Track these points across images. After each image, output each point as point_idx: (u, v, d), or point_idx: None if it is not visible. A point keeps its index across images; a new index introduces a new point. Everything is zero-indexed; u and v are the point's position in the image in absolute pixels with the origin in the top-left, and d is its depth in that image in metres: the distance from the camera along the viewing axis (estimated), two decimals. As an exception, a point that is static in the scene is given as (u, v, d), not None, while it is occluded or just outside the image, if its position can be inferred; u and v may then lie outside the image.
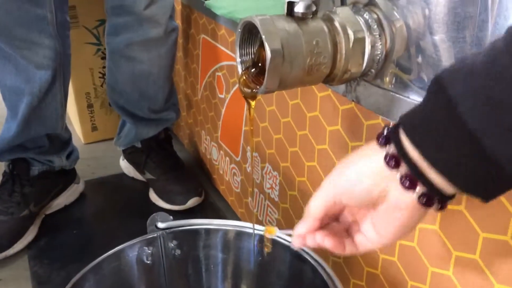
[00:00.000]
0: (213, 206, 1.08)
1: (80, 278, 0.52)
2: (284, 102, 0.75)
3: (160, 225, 0.64)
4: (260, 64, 0.44)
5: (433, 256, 0.52)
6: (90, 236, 0.99)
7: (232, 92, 0.94)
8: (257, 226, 0.63)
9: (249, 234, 0.64)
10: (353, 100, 0.48)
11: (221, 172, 1.08)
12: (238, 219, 1.02)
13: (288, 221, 0.81)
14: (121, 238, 0.62)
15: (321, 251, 0.72)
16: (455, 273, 0.49)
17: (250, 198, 0.95)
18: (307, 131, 0.70)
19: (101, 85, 1.30)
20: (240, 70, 0.45)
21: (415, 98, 0.44)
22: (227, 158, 1.03)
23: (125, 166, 1.19)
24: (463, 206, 0.47)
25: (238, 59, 0.45)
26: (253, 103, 0.45)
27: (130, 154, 1.15)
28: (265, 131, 0.83)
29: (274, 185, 0.84)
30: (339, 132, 0.63)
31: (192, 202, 1.05)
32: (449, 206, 0.36)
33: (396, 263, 0.57)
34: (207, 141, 1.13)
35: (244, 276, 0.64)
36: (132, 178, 1.18)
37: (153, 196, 1.09)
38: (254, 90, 0.44)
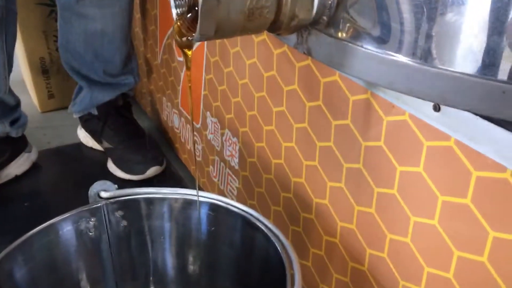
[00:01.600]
0: (174, 176, 1.04)
1: (4, 258, 0.47)
2: (241, 62, 0.70)
3: (104, 194, 0.59)
4: (196, 8, 0.39)
5: (391, 222, 0.48)
6: (43, 209, 0.93)
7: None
8: (206, 194, 0.59)
9: (201, 202, 0.59)
10: (304, 52, 0.43)
11: (182, 140, 1.03)
12: (200, 188, 0.98)
13: (248, 190, 0.77)
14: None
15: (277, 219, 0.69)
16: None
17: (211, 167, 0.90)
18: (264, 92, 0.66)
19: (57, 50, 1.22)
20: (174, 15, 0.40)
21: (370, 48, 0.40)
22: (188, 126, 0.98)
23: (82, 135, 1.13)
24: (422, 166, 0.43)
25: (172, 3, 0.39)
26: (189, 53, 0.39)
27: (87, 121, 1.08)
28: (224, 95, 0.78)
29: (234, 152, 0.80)
30: (296, 92, 0.58)
31: (152, 171, 1.00)
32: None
33: (355, 231, 0.53)
34: (168, 108, 1.08)
35: (193, 247, 0.60)
36: (91, 148, 1.12)
37: (111, 166, 1.03)
38: (189, 38, 0.38)
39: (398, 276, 0.48)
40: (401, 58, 0.38)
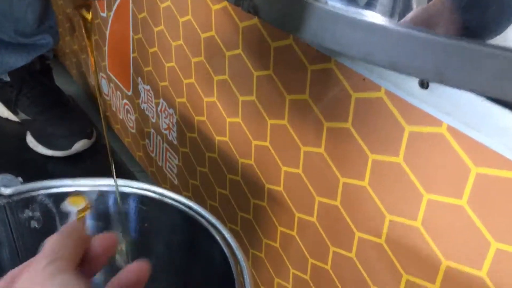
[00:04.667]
0: (107, 150, 0.91)
1: None
2: (174, 20, 0.58)
3: (4, 190, 0.47)
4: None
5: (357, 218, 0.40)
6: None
7: (114, 8, 0.75)
8: (134, 184, 0.48)
9: (127, 195, 0.49)
10: (249, 11, 0.33)
11: (114, 109, 0.90)
12: (136, 164, 0.87)
13: (189, 169, 0.67)
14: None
15: (223, 205, 0.59)
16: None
17: (147, 140, 0.79)
18: (202, 57, 0.54)
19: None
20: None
21: (337, 5, 0.29)
22: (118, 93, 0.85)
23: (-4, 105, 0.97)
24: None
25: None
26: (88, 16, 0.28)
27: (-2, 90, 0.93)
28: (156, 59, 0.66)
29: (171, 125, 0.69)
30: (241, 58, 0.48)
31: (79, 145, 0.87)
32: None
33: (315, 224, 0.45)
34: (96, 72, 0.94)
35: (123, 249, 0.50)
36: (6, 120, 0.97)
37: (31, 141, 0.89)
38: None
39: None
40: (381, 19, 0.28)
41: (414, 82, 0.31)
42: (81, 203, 0.39)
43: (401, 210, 0.35)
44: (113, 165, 0.44)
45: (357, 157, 0.37)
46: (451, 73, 0.25)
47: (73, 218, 0.38)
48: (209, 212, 0.45)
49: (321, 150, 0.41)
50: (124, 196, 0.48)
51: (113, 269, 0.46)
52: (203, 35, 0.53)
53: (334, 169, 0.40)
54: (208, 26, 0.51)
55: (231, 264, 0.41)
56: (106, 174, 0.50)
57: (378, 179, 0.36)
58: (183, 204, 0.46)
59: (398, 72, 0.28)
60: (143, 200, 0.48)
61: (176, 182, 0.73)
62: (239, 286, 0.38)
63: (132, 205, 0.48)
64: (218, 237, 0.43)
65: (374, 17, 0.28)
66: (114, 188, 0.49)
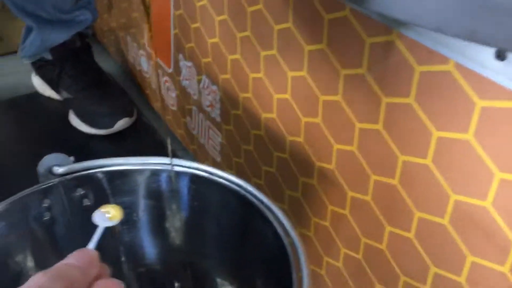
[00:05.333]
0: (147, 128, 0.92)
1: None
2: (218, -7, 0.56)
3: (57, 170, 0.47)
4: None
5: (419, 198, 0.38)
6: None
7: (154, -16, 0.74)
8: (183, 162, 0.48)
9: (179, 174, 0.48)
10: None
11: (153, 86, 0.90)
12: (178, 142, 0.87)
13: (233, 146, 0.66)
14: (34, 177, 0.46)
15: (269, 183, 0.58)
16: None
17: (188, 117, 0.79)
18: (249, 31, 0.53)
19: (-2, -16, 1.04)
20: None
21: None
22: (159, 70, 0.85)
23: (38, 83, 0.99)
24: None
25: None
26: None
27: (40, 68, 0.94)
28: (198, 35, 0.65)
29: (214, 102, 0.68)
30: (291, 32, 0.46)
31: (121, 124, 0.87)
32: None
33: (369, 202, 0.44)
34: (135, 48, 0.93)
35: (175, 226, 0.50)
36: (49, 98, 0.98)
37: (74, 120, 0.90)
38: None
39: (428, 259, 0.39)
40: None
41: (488, 53, 0.29)
42: (116, 216, 0.37)
43: (469, 190, 0.33)
44: (169, 143, 0.44)
45: (420, 134, 0.35)
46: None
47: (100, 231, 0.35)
48: (261, 192, 0.44)
49: (379, 126, 0.39)
50: (176, 174, 0.48)
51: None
52: (249, 9, 0.51)
53: (393, 146, 0.38)
54: (256, -1, 0.49)
55: (284, 244, 0.40)
56: (148, 152, 0.50)
57: (443, 157, 0.34)
58: (234, 183, 0.45)
59: (477, 43, 0.26)
60: (194, 179, 0.48)
61: (219, 159, 0.72)
62: (295, 266, 0.38)
63: (183, 183, 0.48)
64: (270, 217, 0.42)
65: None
66: (165, 167, 0.48)
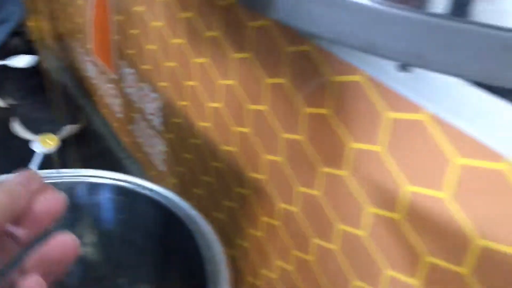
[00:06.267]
0: (95, 134, 0.89)
1: None
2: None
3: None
4: None
5: (339, 210, 0.38)
6: None
7: (95, -11, 0.72)
8: (111, 175, 0.46)
9: (105, 186, 0.47)
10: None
11: (100, 92, 0.88)
12: (123, 149, 0.85)
13: (176, 156, 0.65)
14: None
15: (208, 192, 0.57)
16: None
17: (133, 125, 0.77)
18: (183, 38, 0.52)
19: None
20: None
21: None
22: (104, 76, 0.83)
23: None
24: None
25: None
26: None
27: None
28: (137, 41, 0.63)
29: (155, 111, 0.66)
30: (220, 40, 0.45)
31: (66, 131, 0.85)
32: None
33: (299, 214, 0.43)
34: (82, 54, 0.91)
35: (101, 240, 0.48)
36: (-8, 105, 0.95)
37: (17, 127, 0.87)
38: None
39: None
40: (354, -4, 0.25)
41: (391, 64, 0.28)
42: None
43: (383, 205, 0.33)
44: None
45: (337, 146, 0.35)
46: (433, 56, 0.22)
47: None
48: (186, 202, 0.43)
49: (302, 137, 0.39)
50: (102, 187, 0.46)
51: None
52: (182, 15, 0.50)
53: (317, 157, 0.38)
54: (187, 5, 0.48)
55: (206, 258, 0.39)
56: (93, 159, 0.48)
57: (358, 170, 0.34)
58: (159, 194, 0.44)
59: (376, 56, 0.25)
60: (116, 190, 0.46)
61: (163, 168, 0.71)
62: (213, 280, 0.37)
63: (107, 196, 0.46)
64: (193, 229, 0.41)
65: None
66: (89, 179, 0.47)
